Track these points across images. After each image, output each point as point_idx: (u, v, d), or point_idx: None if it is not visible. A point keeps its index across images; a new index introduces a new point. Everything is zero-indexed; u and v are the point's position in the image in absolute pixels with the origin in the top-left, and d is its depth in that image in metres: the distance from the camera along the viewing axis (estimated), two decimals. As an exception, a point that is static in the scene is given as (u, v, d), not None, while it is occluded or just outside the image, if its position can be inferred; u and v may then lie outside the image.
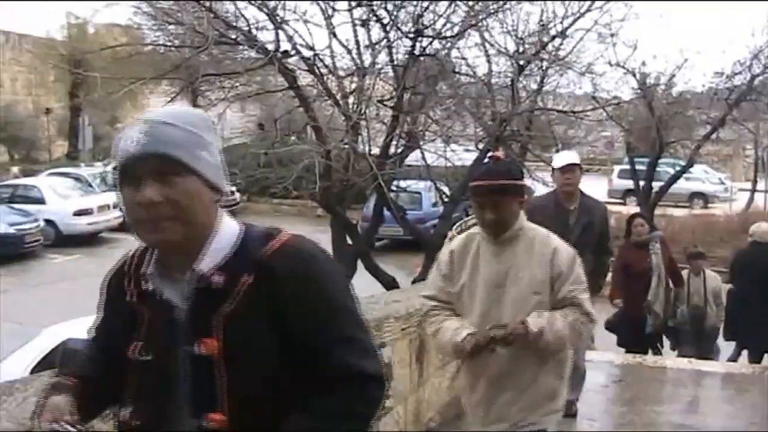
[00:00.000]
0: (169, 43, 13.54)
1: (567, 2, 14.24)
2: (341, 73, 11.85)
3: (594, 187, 25.00)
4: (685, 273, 11.02)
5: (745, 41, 25.06)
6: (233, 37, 11.29)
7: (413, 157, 13.17)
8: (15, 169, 33.94)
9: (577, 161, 6.90)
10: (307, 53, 11.41)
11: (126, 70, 13.76)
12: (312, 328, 1.99)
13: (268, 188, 25.62)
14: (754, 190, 32.84)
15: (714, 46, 33.43)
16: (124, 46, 15.03)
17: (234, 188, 30.55)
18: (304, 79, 11.94)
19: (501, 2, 12.90)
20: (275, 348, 1.98)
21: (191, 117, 2.05)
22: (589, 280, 6.56)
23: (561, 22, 14.21)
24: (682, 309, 10.69)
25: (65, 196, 26.36)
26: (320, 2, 11.33)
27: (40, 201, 25.69)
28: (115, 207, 26.99)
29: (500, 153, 4.58)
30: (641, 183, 21.41)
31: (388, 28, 11.63)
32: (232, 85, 13.91)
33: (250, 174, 13.72)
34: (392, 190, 12.89)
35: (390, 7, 11.55)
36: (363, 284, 12.45)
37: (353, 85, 11.61)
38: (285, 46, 11.21)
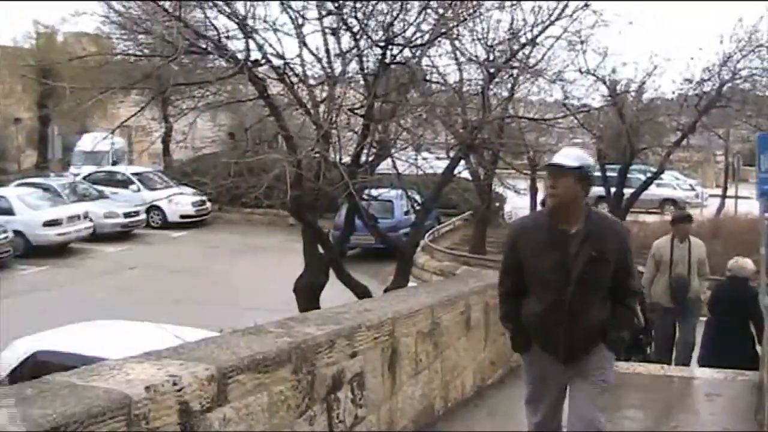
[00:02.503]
0: (138, 53, 13.46)
1: (537, 10, 14.37)
2: (312, 81, 11.79)
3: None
4: (666, 239, 10.93)
5: (714, 48, 25.34)
6: (203, 46, 11.21)
7: (384, 166, 13.15)
8: (-17, 180, 33.65)
9: (568, 163, 4.87)
10: (277, 62, 11.36)
11: (95, 79, 13.63)
12: None
13: (239, 198, 25.58)
14: (724, 196, 33.20)
15: (683, 53, 33.69)
16: (94, 55, 14.89)
17: (205, 198, 30.62)
18: (275, 87, 11.88)
19: (471, 9, 12.93)
20: None
21: None
22: (607, 335, 5.06)
23: (531, 30, 14.31)
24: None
25: (34, 207, 26.20)
26: (290, 11, 11.29)
27: (9, 212, 25.52)
28: (85, 217, 26.88)
29: None
30: (612, 190, 21.57)
31: (358, 36, 11.60)
32: (202, 95, 13.82)
33: (221, 183, 13.63)
34: (364, 199, 12.85)
35: (360, 15, 11.53)
36: (335, 293, 12.46)
37: (324, 94, 11.56)
38: (255, 55, 11.14)
